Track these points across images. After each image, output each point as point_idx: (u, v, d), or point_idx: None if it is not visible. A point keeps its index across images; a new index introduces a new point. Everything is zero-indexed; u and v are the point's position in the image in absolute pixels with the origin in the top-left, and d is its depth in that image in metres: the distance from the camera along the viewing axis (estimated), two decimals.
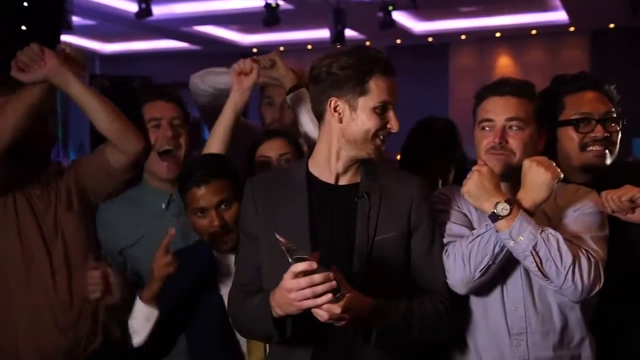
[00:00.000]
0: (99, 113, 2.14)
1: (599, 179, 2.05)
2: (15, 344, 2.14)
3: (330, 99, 1.78)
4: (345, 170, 1.82)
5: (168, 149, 2.36)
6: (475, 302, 1.90)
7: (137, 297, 2.02)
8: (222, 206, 2.01)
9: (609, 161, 2.08)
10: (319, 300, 1.50)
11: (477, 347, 1.89)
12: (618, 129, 2.08)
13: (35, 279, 2.16)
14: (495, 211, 1.72)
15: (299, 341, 1.74)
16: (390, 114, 1.78)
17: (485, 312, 1.89)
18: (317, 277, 1.48)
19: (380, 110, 1.76)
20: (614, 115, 2.08)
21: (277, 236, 1.51)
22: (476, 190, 1.76)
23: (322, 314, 1.53)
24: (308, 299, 1.50)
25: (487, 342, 1.88)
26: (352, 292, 1.56)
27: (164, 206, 2.38)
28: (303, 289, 1.49)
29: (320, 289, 1.49)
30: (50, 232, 2.20)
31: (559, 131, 2.10)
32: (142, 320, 2.00)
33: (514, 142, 1.86)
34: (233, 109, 2.29)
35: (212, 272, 2.09)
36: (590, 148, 2.05)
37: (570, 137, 2.07)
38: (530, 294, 1.85)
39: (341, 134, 1.78)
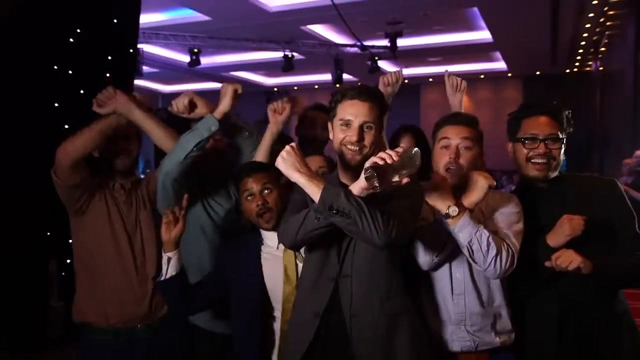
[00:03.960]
0: (155, 132, 2.15)
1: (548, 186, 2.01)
2: (104, 310, 2.13)
3: (328, 124, 1.83)
4: (354, 176, 1.71)
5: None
6: (431, 270, 1.90)
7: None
8: (265, 191, 1.99)
9: (552, 173, 1.99)
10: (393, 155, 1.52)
11: (432, 303, 1.91)
12: (559, 147, 1.98)
13: (122, 262, 2.16)
14: (447, 212, 1.75)
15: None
16: (352, 127, 1.72)
17: (437, 278, 1.90)
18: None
19: (345, 126, 1.73)
20: (558, 136, 1.98)
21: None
22: (435, 195, 1.78)
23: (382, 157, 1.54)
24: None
25: (438, 299, 1.90)
26: None
27: None
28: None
29: (392, 154, 1.53)
30: (132, 228, 2.20)
31: (514, 146, 2.05)
32: (165, 262, 1.99)
33: (464, 159, 1.86)
34: (271, 137, 2.26)
35: (258, 247, 2.05)
36: (535, 161, 1.98)
37: (520, 151, 2.01)
38: (469, 267, 1.88)
39: (333, 147, 1.80)
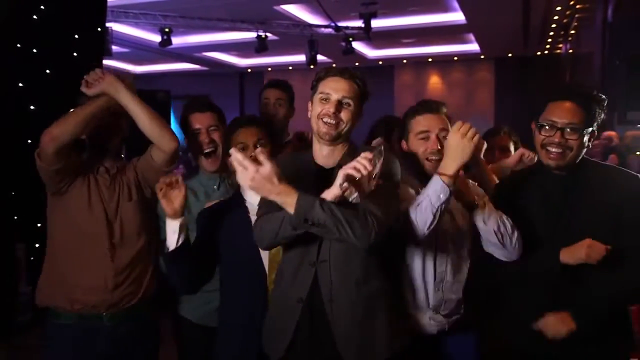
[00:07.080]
0: (142, 117, 2.07)
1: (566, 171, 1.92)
2: (70, 296, 2.08)
3: (308, 103, 1.84)
4: (328, 155, 1.77)
5: (210, 151, 2.31)
6: (416, 261, 1.93)
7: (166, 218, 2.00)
8: (258, 146, 1.97)
9: (566, 163, 1.87)
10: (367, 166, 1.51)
11: (414, 290, 1.95)
12: (577, 137, 1.84)
13: (97, 250, 2.09)
14: (480, 202, 1.80)
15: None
16: (330, 101, 1.74)
17: (422, 268, 1.94)
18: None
19: (325, 100, 1.75)
20: (577, 126, 1.83)
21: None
22: (460, 194, 1.81)
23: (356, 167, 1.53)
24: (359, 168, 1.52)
25: (419, 286, 1.94)
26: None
27: (215, 187, 2.32)
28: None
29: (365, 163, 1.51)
30: (112, 215, 2.12)
31: (535, 129, 1.94)
32: (170, 234, 1.98)
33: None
34: None
35: (245, 213, 2.01)
36: (548, 149, 1.88)
37: (537, 136, 1.92)
38: (450, 259, 1.95)
39: (311, 124, 1.80)
